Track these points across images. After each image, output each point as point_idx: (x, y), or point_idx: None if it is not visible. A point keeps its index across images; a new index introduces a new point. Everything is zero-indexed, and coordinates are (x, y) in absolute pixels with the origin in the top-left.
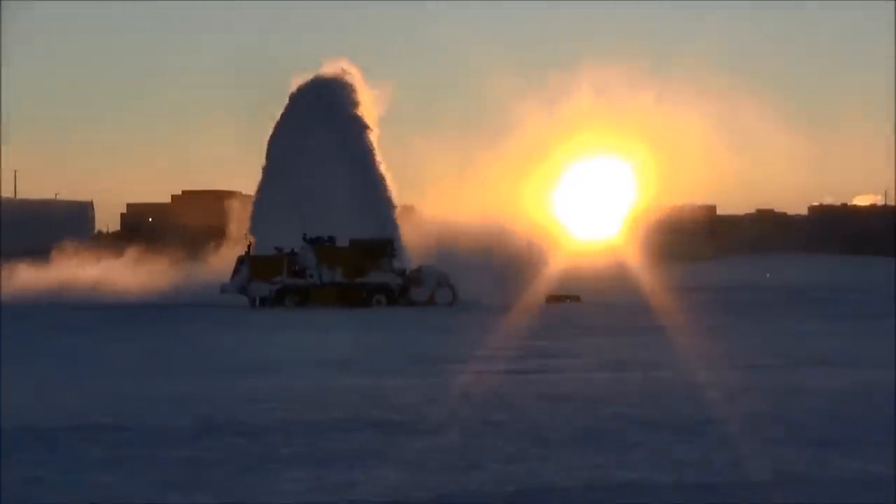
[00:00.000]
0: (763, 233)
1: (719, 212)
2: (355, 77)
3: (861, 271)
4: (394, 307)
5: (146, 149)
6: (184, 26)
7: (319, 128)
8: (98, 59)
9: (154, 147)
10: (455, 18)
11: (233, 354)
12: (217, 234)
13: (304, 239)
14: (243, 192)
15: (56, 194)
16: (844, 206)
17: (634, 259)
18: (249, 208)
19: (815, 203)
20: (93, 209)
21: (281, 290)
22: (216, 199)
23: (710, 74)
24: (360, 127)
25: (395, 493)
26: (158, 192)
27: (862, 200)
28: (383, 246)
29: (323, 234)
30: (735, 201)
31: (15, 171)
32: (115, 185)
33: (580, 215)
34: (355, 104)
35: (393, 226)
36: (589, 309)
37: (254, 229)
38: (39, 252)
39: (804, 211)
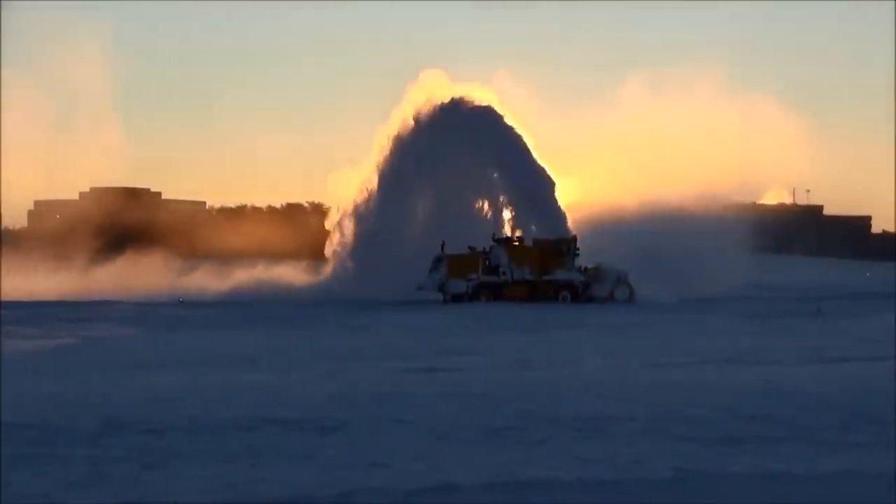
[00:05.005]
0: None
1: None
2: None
3: (770, 270)
4: (576, 304)
5: (53, 143)
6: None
7: (470, 143)
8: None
9: (61, 141)
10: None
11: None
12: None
13: (494, 238)
14: (152, 189)
15: None
16: (753, 204)
17: None
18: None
19: (724, 201)
20: None
21: (477, 286)
22: (126, 196)
23: (620, 72)
24: (518, 138)
25: (298, 490)
26: (66, 188)
27: (770, 197)
28: (567, 244)
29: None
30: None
31: None
32: (19, 180)
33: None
34: (503, 123)
35: (566, 224)
36: (504, 308)
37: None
38: None
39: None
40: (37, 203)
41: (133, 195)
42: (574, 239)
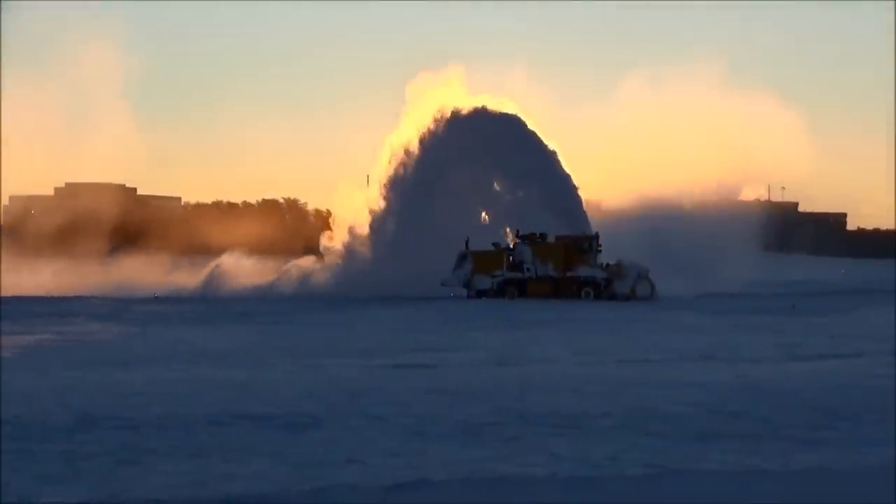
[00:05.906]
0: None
1: (604, 207)
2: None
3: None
4: (598, 300)
5: (32, 139)
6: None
7: (489, 154)
8: None
9: (39, 138)
10: None
11: None
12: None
13: (517, 236)
14: (128, 185)
15: None
16: (730, 201)
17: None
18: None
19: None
20: None
21: (503, 282)
22: (103, 192)
23: (598, 67)
24: (536, 142)
25: (272, 486)
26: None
27: (747, 194)
28: (589, 241)
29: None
30: (621, 197)
31: None
32: None
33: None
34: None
35: (586, 222)
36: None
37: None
38: None
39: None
40: (11, 198)
41: (109, 191)
42: (596, 236)
